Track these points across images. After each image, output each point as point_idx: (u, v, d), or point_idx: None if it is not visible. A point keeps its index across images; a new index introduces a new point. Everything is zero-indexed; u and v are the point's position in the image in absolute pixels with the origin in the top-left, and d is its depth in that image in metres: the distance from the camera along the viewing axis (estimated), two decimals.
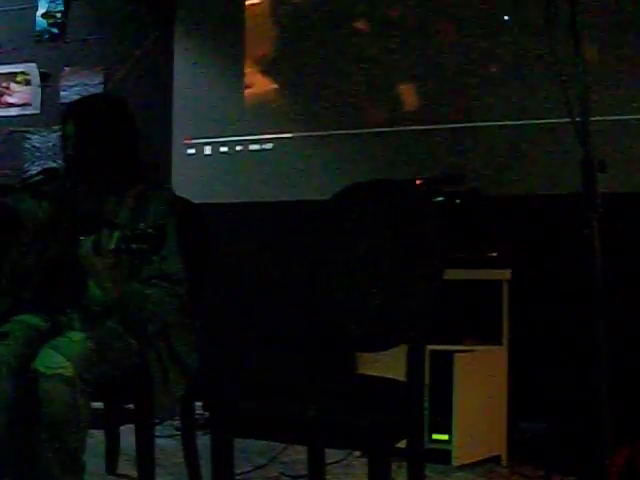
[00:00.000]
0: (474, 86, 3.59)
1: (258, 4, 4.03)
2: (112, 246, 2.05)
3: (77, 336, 2.11)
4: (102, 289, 2.25)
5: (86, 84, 4.33)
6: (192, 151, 4.09)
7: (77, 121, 2.32)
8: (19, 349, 2.12)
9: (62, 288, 2.29)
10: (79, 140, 2.30)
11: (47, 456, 2.00)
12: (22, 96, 4.48)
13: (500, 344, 3.08)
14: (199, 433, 2.69)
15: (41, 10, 4.46)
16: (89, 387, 2.04)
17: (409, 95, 3.72)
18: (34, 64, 4.44)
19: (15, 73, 4.48)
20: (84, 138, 2.30)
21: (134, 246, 1.99)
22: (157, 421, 2.33)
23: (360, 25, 3.82)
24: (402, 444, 1.96)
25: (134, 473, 2.34)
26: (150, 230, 1.98)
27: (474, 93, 3.59)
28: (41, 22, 4.46)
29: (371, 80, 3.77)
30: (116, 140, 2.34)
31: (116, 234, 2.06)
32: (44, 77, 4.43)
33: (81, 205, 2.36)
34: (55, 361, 2.01)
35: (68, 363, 2.01)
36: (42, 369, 2.01)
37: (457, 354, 3.00)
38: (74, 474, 2.05)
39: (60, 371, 1.99)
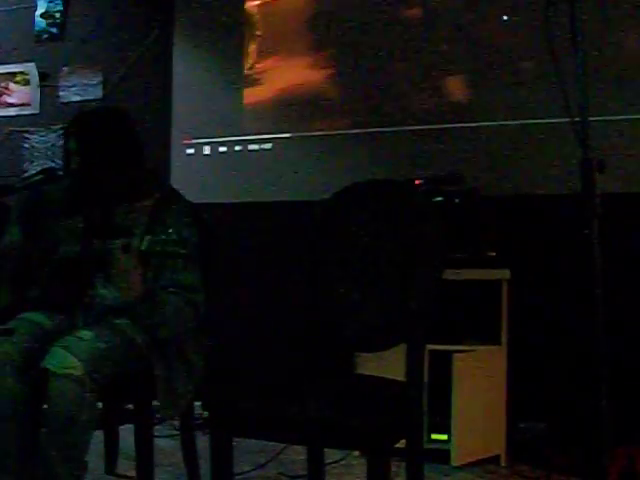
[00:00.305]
0: (474, 86, 3.59)
1: (257, 4, 4.03)
2: (144, 247, 2.06)
3: (87, 335, 2.12)
4: (122, 289, 2.24)
5: (85, 84, 4.33)
6: (191, 151, 4.09)
7: (78, 137, 2.33)
8: (24, 346, 2.12)
9: (69, 287, 2.29)
10: (82, 155, 2.32)
11: (51, 454, 2.00)
12: (21, 96, 4.48)
13: (499, 344, 3.08)
14: (198, 433, 2.69)
15: (40, 10, 4.46)
16: (97, 387, 2.04)
17: (409, 95, 3.72)
18: (33, 64, 4.45)
19: (14, 73, 4.48)
20: (87, 153, 2.31)
21: (170, 249, 2.00)
22: (156, 421, 2.33)
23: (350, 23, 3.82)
24: (401, 444, 1.96)
25: (133, 473, 2.34)
26: (185, 234, 2.00)
27: (474, 93, 3.59)
28: (40, 22, 4.46)
29: (371, 80, 3.77)
30: (119, 152, 2.34)
31: (148, 237, 2.08)
32: (43, 77, 4.43)
33: (92, 213, 2.36)
34: (66, 361, 2.02)
35: (79, 363, 2.01)
36: (53, 368, 2.01)
37: (456, 354, 3.00)
38: (77, 473, 2.05)
39: (70, 371, 2.00)
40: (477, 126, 3.55)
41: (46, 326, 2.23)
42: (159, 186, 2.43)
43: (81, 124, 2.38)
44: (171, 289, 2.26)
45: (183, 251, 2.03)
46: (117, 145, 2.35)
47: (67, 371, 2.00)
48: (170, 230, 2.06)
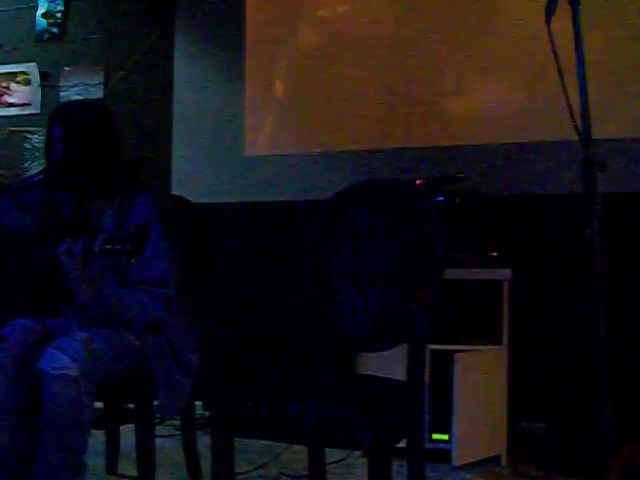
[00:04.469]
0: (473, 85, 3.59)
1: (258, 3, 4.03)
2: (96, 248, 2.03)
3: (81, 336, 2.11)
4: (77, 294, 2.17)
5: (86, 84, 4.33)
6: (192, 151, 4.08)
7: (64, 123, 2.31)
8: (17, 352, 2.12)
9: (53, 291, 2.27)
10: (66, 141, 2.29)
11: (50, 456, 2.00)
12: (22, 96, 4.48)
13: (500, 344, 3.08)
14: (199, 433, 2.70)
15: (41, 10, 4.46)
16: (93, 387, 2.04)
17: (408, 93, 3.72)
18: (34, 64, 4.45)
19: (15, 73, 4.48)
20: (71, 139, 2.29)
21: (117, 247, 1.99)
22: (157, 421, 2.33)
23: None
24: (402, 444, 1.96)
25: (134, 473, 2.34)
26: (131, 231, 1.98)
27: (473, 93, 3.59)
28: (41, 22, 4.46)
29: (370, 79, 3.77)
30: (101, 144, 2.32)
31: (99, 237, 2.05)
32: (44, 77, 4.43)
33: (67, 210, 2.34)
34: (60, 361, 2.01)
35: (73, 363, 2.01)
36: (47, 369, 2.01)
37: (457, 354, 3.00)
38: (77, 474, 2.05)
39: (65, 371, 1.99)
40: (477, 126, 3.55)
41: (38, 331, 2.22)
42: (130, 181, 2.39)
43: (68, 111, 2.38)
44: (138, 285, 2.21)
45: (128, 247, 1.97)
46: (100, 135, 2.32)
47: (62, 371, 1.99)
48: (131, 226, 2.03)
